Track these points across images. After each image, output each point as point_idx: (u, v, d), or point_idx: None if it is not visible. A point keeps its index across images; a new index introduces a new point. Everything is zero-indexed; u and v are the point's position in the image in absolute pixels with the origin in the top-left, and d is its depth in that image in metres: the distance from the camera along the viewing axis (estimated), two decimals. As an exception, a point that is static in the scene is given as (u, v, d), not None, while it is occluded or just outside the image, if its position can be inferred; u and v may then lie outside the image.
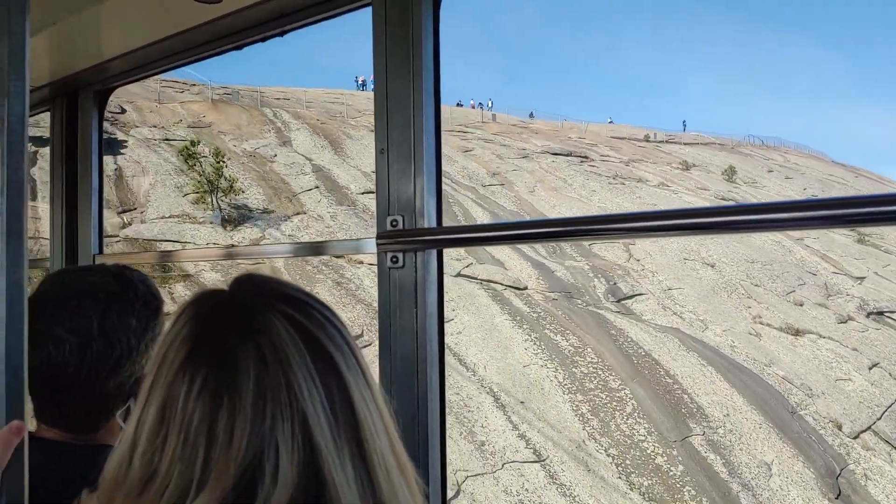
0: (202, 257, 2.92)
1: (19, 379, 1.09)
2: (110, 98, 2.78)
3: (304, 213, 32.47)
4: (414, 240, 1.66)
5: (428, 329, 1.65)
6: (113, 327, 1.36)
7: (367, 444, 0.85)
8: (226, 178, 30.41)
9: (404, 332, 1.66)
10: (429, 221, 1.67)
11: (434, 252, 1.67)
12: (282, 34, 2.05)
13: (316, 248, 2.53)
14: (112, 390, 1.37)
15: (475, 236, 1.71)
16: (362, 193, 34.82)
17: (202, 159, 30.47)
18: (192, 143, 31.99)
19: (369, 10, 1.76)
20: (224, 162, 30.79)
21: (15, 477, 1.07)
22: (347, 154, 39.49)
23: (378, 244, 1.70)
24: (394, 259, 1.68)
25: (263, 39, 2.08)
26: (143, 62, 2.43)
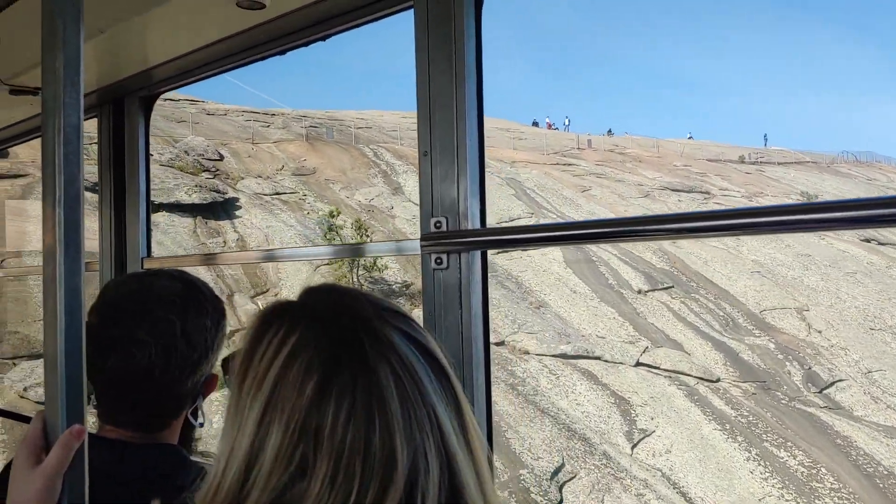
0: (246, 259, 2.96)
1: (79, 384, 1.11)
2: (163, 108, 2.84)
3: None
4: (458, 241, 1.66)
5: (473, 330, 1.65)
6: (192, 329, 1.40)
7: (473, 445, 0.90)
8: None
9: (449, 334, 1.67)
10: (472, 223, 1.67)
11: (478, 253, 1.67)
12: (324, 38, 2.07)
13: (358, 250, 2.55)
14: (188, 390, 1.42)
15: (519, 237, 1.70)
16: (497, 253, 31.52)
17: (339, 231, 28.57)
18: (332, 214, 30.33)
19: (411, 12, 1.77)
20: (368, 235, 28.38)
21: (76, 480, 1.10)
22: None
23: (422, 246, 1.70)
24: (438, 260, 1.69)
25: (307, 44, 2.10)
26: (187, 68, 2.47)
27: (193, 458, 1.48)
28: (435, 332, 1.70)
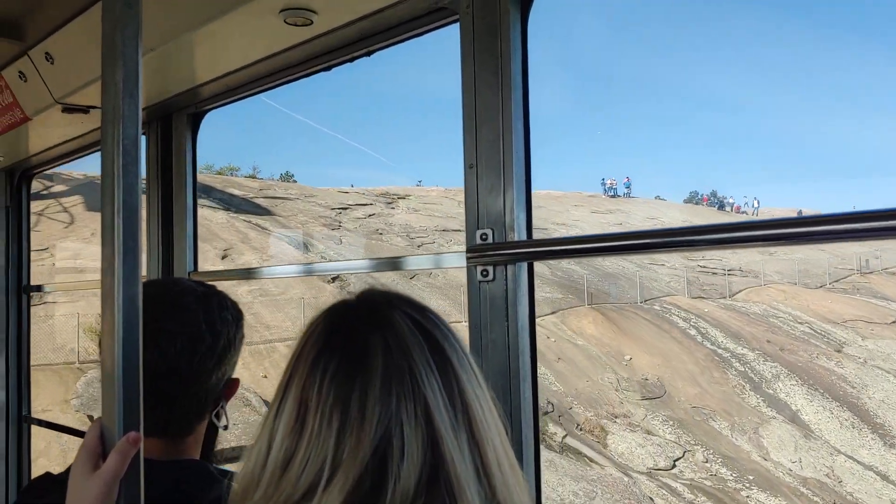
0: (289, 274, 2.99)
1: (135, 391, 1.13)
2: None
3: None
4: (504, 253, 1.66)
5: (520, 342, 1.64)
6: (216, 319, 1.42)
7: (479, 435, 0.90)
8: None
9: (496, 346, 1.66)
10: (519, 234, 1.66)
11: (525, 265, 1.66)
12: (368, 54, 2.10)
13: (400, 264, 2.56)
14: (212, 386, 1.42)
15: (567, 248, 1.70)
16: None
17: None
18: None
19: (456, 26, 1.78)
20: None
21: (132, 485, 1.11)
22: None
23: (468, 258, 1.70)
24: (484, 273, 1.68)
25: (352, 59, 2.12)
26: (234, 86, 2.51)
27: (219, 466, 1.48)
28: (480, 345, 1.69)
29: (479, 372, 0.99)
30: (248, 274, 3.25)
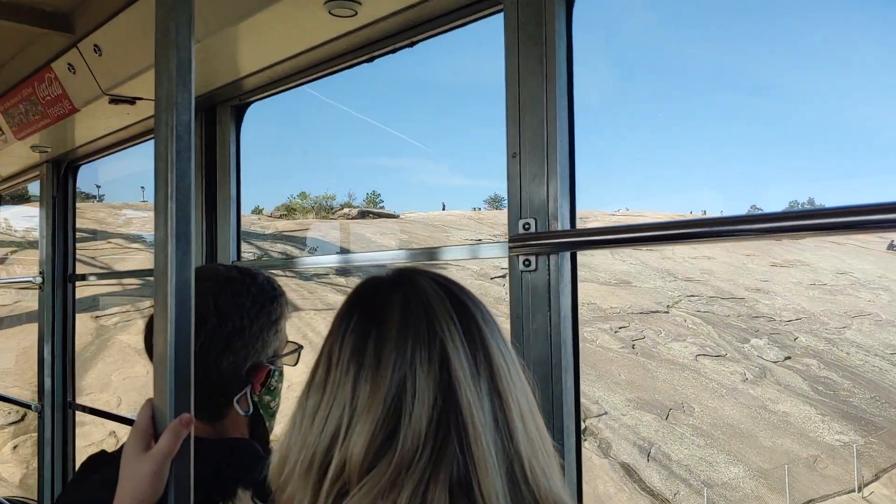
0: (328, 263, 3.02)
1: (187, 373, 1.15)
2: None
3: None
4: (547, 242, 1.65)
5: (563, 332, 1.64)
6: (225, 304, 1.39)
7: (502, 386, 0.89)
8: None
9: (538, 337, 1.66)
10: (562, 224, 1.66)
11: (567, 255, 1.66)
12: (412, 45, 2.10)
13: (440, 254, 2.56)
14: (227, 369, 1.39)
15: (610, 238, 1.68)
16: None
17: None
18: None
19: (500, 16, 1.78)
20: None
21: (182, 466, 1.14)
22: None
23: (511, 247, 1.70)
24: (526, 262, 1.68)
25: (394, 51, 2.13)
26: (278, 77, 2.54)
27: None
28: (522, 335, 1.69)
29: (508, 341, 0.97)
30: (290, 263, 3.28)
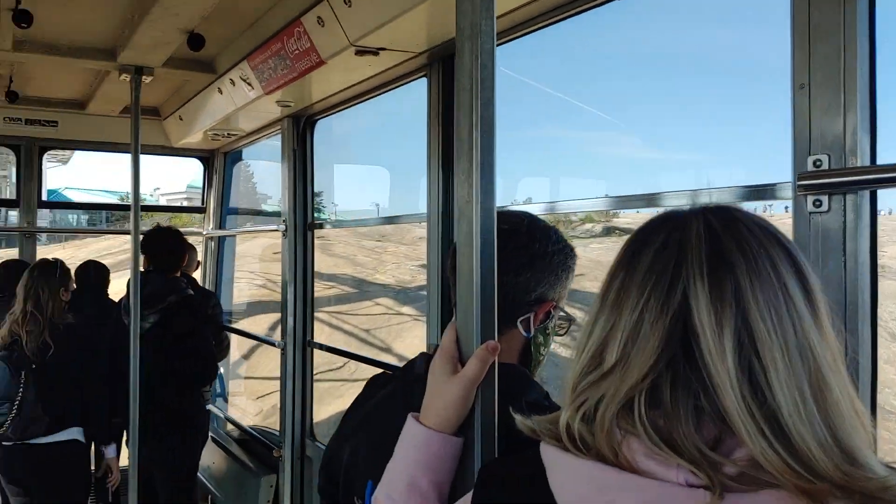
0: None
1: (491, 298, 1.16)
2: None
3: None
4: (844, 180, 1.51)
5: (859, 279, 1.49)
6: (536, 230, 1.38)
7: (761, 352, 0.78)
8: None
9: (829, 283, 1.52)
10: (861, 160, 1.50)
11: (867, 194, 1.50)
12: None
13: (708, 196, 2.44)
14: (521, 284, 1.35)
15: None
16: None
17: None
18: None
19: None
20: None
21: (488, 392, 1.15)
22: None
23: (798, 186, 1.57)
24: (816, 203, 1.54)
25: None
26: (522, 20, 2.53)
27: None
28: None
29: (805, 293, 0.83)
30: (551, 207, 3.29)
